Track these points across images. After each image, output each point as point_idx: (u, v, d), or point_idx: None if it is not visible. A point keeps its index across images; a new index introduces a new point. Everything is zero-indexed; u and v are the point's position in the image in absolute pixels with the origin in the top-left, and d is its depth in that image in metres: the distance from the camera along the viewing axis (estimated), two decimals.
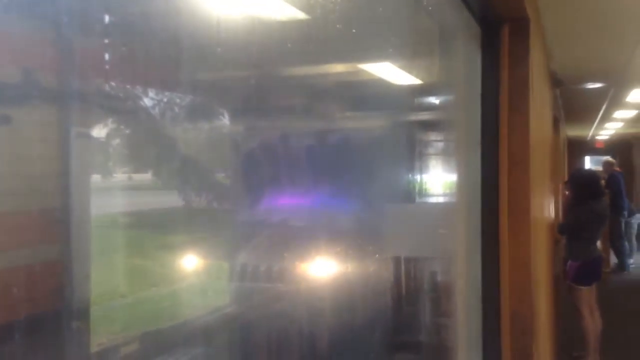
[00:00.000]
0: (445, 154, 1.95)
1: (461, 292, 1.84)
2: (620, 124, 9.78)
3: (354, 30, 1.75)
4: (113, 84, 2.17)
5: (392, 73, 1.97)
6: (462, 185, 1.87)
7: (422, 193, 1.93)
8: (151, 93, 2.67)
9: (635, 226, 9.83)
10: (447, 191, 1.90)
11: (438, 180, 1.93)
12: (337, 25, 1.78)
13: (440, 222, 1.87)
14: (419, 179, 1.97)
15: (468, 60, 1.89)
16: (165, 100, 2.81)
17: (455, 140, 1.89)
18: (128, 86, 2.26)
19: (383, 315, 1.96)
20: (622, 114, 8.05)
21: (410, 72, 1.97)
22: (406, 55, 1.91)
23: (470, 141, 1.89)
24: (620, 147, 14.16)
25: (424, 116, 1.98)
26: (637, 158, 13.95)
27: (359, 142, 2.40)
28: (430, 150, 2.03)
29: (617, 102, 6.57)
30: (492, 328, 1.89)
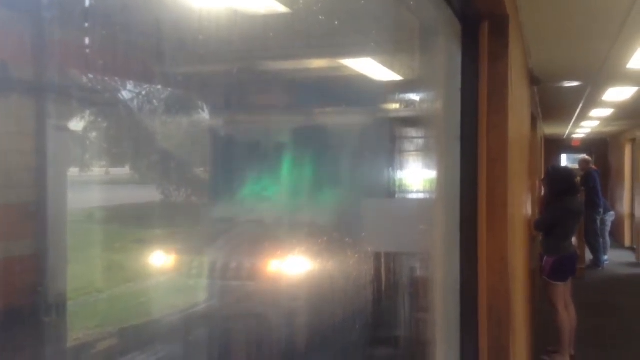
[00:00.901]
0: (425, 149, 1.96)
1: (440, 286, 1.85)
2: (596, 123, 9.93)
3: (335, 25, 1.75)
4: (91, 76, 2.13)
5: (373, 69, 1.97)
6: (441, 181, 1.88)
7: (402, 188, 1.93)
8: (130, 86, 2.63)
9: (609, 223, 10.01)
10: (427, 187, 1.91)
11: (418, 176, 1.94)
12: (319, 20, 1.77)
13: (420, 218, 1.88)
14: (398, 175, 1.97)
15: (448, 56, 1.90)
16: (144, 93, 2.77)
17: (435, 136, 1.90)
18: (106, 78, 2.23)
19: (361, 311, 1.96)
20: (599, 113, 8.17)
21: (391, 68, 1.97)
22: (387, 50, 1.91)
23: (450, 137, 1.90)
24: (596, 145, 14.39)
25: (404, 112, 1.98)
26: (613, 156, 14.19)
27: (338, 137, 2.39)
28: (410, 146, 2.04)
29: (593, 100, 6.66)
30: (470, 321, 1.90)
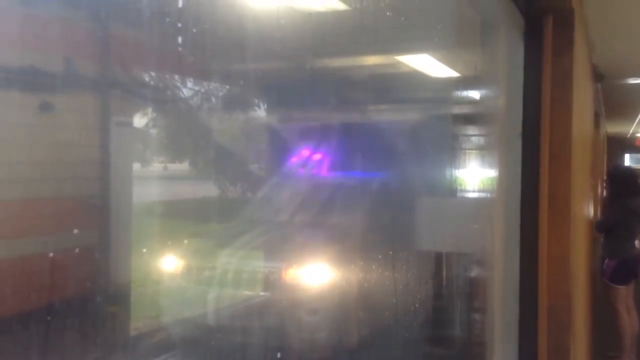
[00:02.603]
0: (485, 147, 1.92)
1: (499, 286, 1.81)
2: None
3: (394, 22, 1.73)
4: (153, 74, 2.20)
5: (434, 65, 1.95)
6: (502, 178, 1.84)
7: (462, 187, 1.90)
8: (189, 83, 2.69)
9: None
10: (487, 185, 1.88)
11: (478, 174, 1.91)
12: (377, 16, 1.76)
13: (480, 216, 1.85)
14: (458, 173, 1.94)
15: (510, 52, 1.85)
16: (202, 90, 2.83)
17: (496, 133, 1.86)
18: (167, 76, 2.29)
19: (418, 309, 1.94)
20: None
21: (451, 65, 1.95)
22: (448, 47, 1.88)
23: (511, 134, 1.86)
24: None
25: (465, 109, 1.95)
26: None
27: (398, 134, 2.36)
28: (471, 143, 2.00)
29: None
30: (529, 323, 1.86)
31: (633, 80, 5.25)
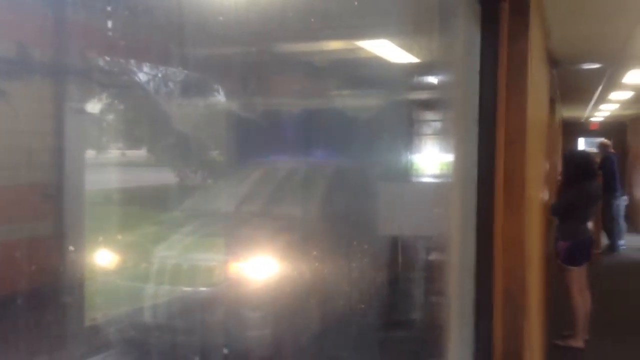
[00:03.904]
0: (443, 132, 1.94)
1: (455, 269, 1.85)
2: (615, 106, 9.78)
3: (354, 7, 1.73)
4: (108, 58, 2.13)
5: (391, 50, 1.96)
6: (458, 163, 1.87)
7: (420, 172, 1.92)
8: (146, 68, 2.62)
9: (623, 207, 9.90)
10: (445, 170, 1.90)
11: (435, 158, 1.93)
12: (338, 1, 1.75)
13: (437, 200, 1.87)
14: (417, 158, 1.95)
15: (467, 37, 1.87)
16: (160, 75, 2.76)
17: (453, 118, 1.88)
18: (123, 61, 2.23)
19: (376, 295, 1.95)
20: (618, 96, 8.05)
21: (409, 50, 1.95)
22: (406, 32, 1.89)
23: (468, 119, 1.88)
24: (614, 129, 14.19)
25: (423, 95, 1.96)
26: (631, 140, 13.99)
27: (355, 119, 2.35)
28: (429, 128, 2.02)
29: (613, 83, 6.56)
30: (485, 305, 1.90)
31: (587, 66, 5.37)
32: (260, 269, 2.06)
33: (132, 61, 2.15)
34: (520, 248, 1.98)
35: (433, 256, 1.89)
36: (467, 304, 1.89)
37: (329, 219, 2.23)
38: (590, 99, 8.70)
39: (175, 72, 2.56)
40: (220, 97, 3.12)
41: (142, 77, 2.40)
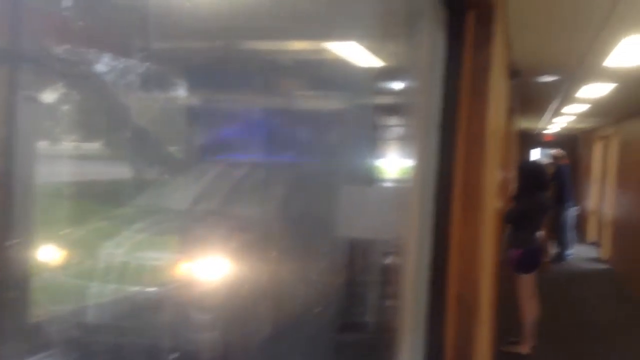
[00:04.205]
0: (405, 137, 1.95)
1: (411, 273, 1.85)
2: (570, 119, 10.08)
3: (322, 7, 1.72)
4: (66, 46, 2.05)
5: (357, 54, 1.95)
6: (419, 168, 1.88)
7: (380, 175, 1.92)
8: (106, 59, 2.53)
9: (574, 218, 10.21)
10: (405, 174, 1.90)
11: (397, 163, 1.93)
12: (305, 1, 1.74)
13: (396, 205, 1.88)
14: (377, 161, 1.95)
15: (433, 43, 1.88)
16: (120, 67, 2.68)
17: (415, 124, 1.89)
18: (82, 50, 2.16)
19: (332, 298, 1.94)
20: (573, 109, 8.29)
21: (375, 54, 1.95)
22: (372, 36, 1.89)
23: (430, 125, 1.89)
24: (567, 141, 14.62)
25: (387, 99, 1.96)
26: (582, 153, 14.45)
27: (320, 121, 2.34)
28: (391, 132, 2.02)
29: (569, 96, 6.75)
30: (438, 308, 1.91)
31: (545, 78, 5.52)
32: (212, 269, 1.99)
33: (92, 51, 2.08)
34: (475, 254, 2.00)
35: (390, 260, 1.89)
36: (421, 308, 1.90)
37: (286, 220, 2.20)
38: (546, 111, 8.94)
39: (135, 65, 2.49)
40: (181, 92, 3.06)
41: (101, 67, 2.32)
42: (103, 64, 2.33)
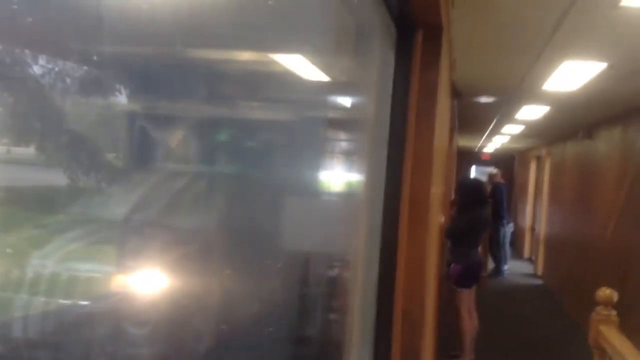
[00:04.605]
0: (353, 152, 1.93)
1: (359, 288, 1.84)
2: (507, 138, 10.42)
3: (271, 18, 1.68)
4: None
5: (306, 68, 1.93)
6: (367, 183, 1.87)
7: (327, 189, 1.90)
8: (42, 60, 2.44)
9: (509, 234, 10.54)
10: (353, 189, 1.89)
11: (345, 177, 1.91)
12: (253, 10, 1.70)
13: (345, 219, 1.86)
14: (326, 175, 1.93)
15: (382, 60, 1.89)
16: (57, 69, 2.58)
17: (364, 139, 1.89)
18: (16, 50, 2.04)
19: (278, 310, 1.89)
20: (510, 129, 8.58)
21: (324, 68, 1.94)
22: (322, 49, 1.87)
23: (378, 141, 1.89)
24: (504, 160, 15.14)
25: (335, 113, 1.94)
26: (518, 171, 14.97)
27: (265, 133, 2.30)
28: (339, 147, 2.00)
29: (507, 117, 6.98)
30: (384, 324, 1.91)
31: (485, 99, 5.68)
32: (148, 282, 1.92)
33: (27, 52, 1.97)
34: (421, 269, 2.01)
35: (338, 274, 1.86)
36: (369, 322, 1.89)
37: (230, 231, 2.14)
38: (485, 130, 9.21)
39: (74, 68, 2.38)
40: (121, 98, 2.94)
41: (36, 69, 2.19)
42: (39, 66, 2.20)
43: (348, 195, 1.90)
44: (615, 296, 2.86)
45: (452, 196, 7.29)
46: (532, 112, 6.27)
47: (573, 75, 3.95)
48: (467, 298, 5.38)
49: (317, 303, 1.87)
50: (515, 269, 10.73)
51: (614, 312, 2.87)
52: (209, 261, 1.88)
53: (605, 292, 2.88)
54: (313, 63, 2.10)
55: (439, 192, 3.48)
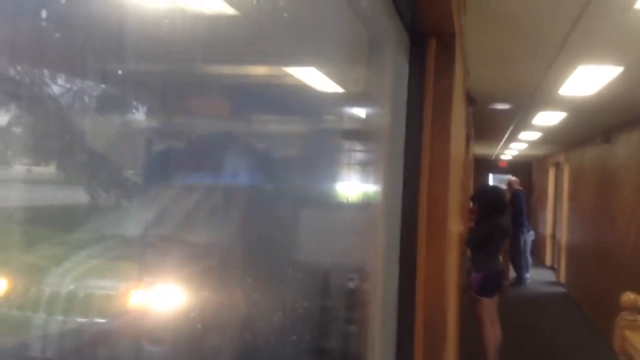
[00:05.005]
0: (369, 162, 1.93)
1: (379, 299, 1.83)
2: (524, 145, 10.35)
3: (284, 31, 1.70)
4: (18, 67, 1.99)
5: (320, 79, 1.95)
6: (384, 194, 1.87)
7: (346, 201, 1.90)
8: (60, 80, 2.48)
9: (530, 242, 10.43)
10: (370, 199, 1.89)
11: (362, 188, 1.91)
12: (267, 24, 1.72)
13: (362, 230, 1.86)
14: (343, 187, 1.93)
15: (396, 69, 1.89)
16: (75, 88, 2.62)
17: (380, 149, 1.89)
18: (35, 70, 2.08)
19: (298, 323, 1.89)
20: (527, 136, 8.52)
21: (338, 79, 1.95)
22: (334, 61, 1.88)
23: (394, 150, 1.89)
24: (521, 167, 15.01)
25: (350, 124, 1.95)
26: (536, 179, 14.83)
27: (281, 146, 2.31)
28: (356, 158, 2.00)
29: (523, 123, 6.93)
30: (406, 335, 1.89)
31: (501, 106, 5.65)
32: (167, 298, 1.90)
33: (46, 71, 2.01)
34: (441, 279, 1.99)
35: (358, 285, 1.85)
36: (390, 334, 1.88)
37: (247, 245, 2.14)
38: (501, 138, 9.16)
39: (92, 86, 2.41)
40: (139, 115, 2.98)
41: (55, 89, 2.24)
42: (58, 86, 2.24)
43: (366, 206, 1.90)
44: (639, 300, 2.82)
45: (470, 205, 7.24)
46: (548, 118, 6.22)
47: (588, 80, 3.92)
48: (489, 307, 5.32)
49: (338, 315, 1.86)
50: (537, 277, 10.60)
51: (639, 317, 2.82)
52: (227, 275, 1.88)
53: (630, 297, 2.84)
54: (327, 75, 2.11)
55: (456, 200, 3.46)
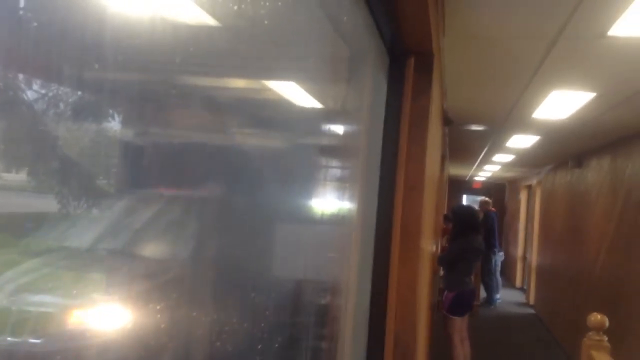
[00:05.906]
0: (345, 179, 1.94)
1: (350, 314, 1.82)
2: (497, 167, 10.49)
3: (263, 44, 1.70)
4: None
5: (298, 95, 1.95)
6: (359, 210, 1.87)
7: (320, 216, 1.89)
8: (36, 85, 2.44)
9: (500, 263, 10.53)
10: (345, 216, 1.89)
11: (337, 204, 1.91)
12: (246, 37, 1.72)
13: (336, 246, 1.85)
14: (318, 202, 1.93)
15: (374, 87, 1.91)
16: (50, 94, 2.58)
17: (356, 166, 1.89)
18: (10, 75, 2.05)
19: (264, 341, 1.86)
20: (501, 158, 8.64)
21: (316, 95, 1.95)
22: (314, 77, 1.89)
23: (370, 167, 1.90)
24: (494, 189, 15.20)
25: (327, 140, 1.95)
26: (509, 200, 15.03)
27: (256, 160, 2.30)
28: (331, 174, 2.00)
29: (497, 146, 7.03)
30: (377, 350, 1.89)
31: (475, 127, 5.73)
32: (110, 318, 1.79)
33: (20, 76, 1.98)
34: (412, 293, 2.00)
35: (330, 300, 1.84)
36: (360, 350, 1.87)
37: (209, 262, 2.10)
38: (476, 159, 9.27)
39: (67, 93, 2.38)
40: (114, 124, 2.95)
41: (30, 94, 2.20)
42: (32, 91, 2.21)
43: (340, 222, 1.90)
44: (606, 321, 2.86)
45: (444, 224, 7.30)
46: (522, 141, 6.32)
47: (562, 104, 4.00)
48: (460, 326, 5.34)
49: (309, 331, 1.85)
50: (507, 297, 10.69)
51: (605, 338, 2.86)
52: (186, 294, 1.83)
53: (597, 317, 2.87)
54: (306, 90, 2.12)
55: (430, 219, 3.48)
